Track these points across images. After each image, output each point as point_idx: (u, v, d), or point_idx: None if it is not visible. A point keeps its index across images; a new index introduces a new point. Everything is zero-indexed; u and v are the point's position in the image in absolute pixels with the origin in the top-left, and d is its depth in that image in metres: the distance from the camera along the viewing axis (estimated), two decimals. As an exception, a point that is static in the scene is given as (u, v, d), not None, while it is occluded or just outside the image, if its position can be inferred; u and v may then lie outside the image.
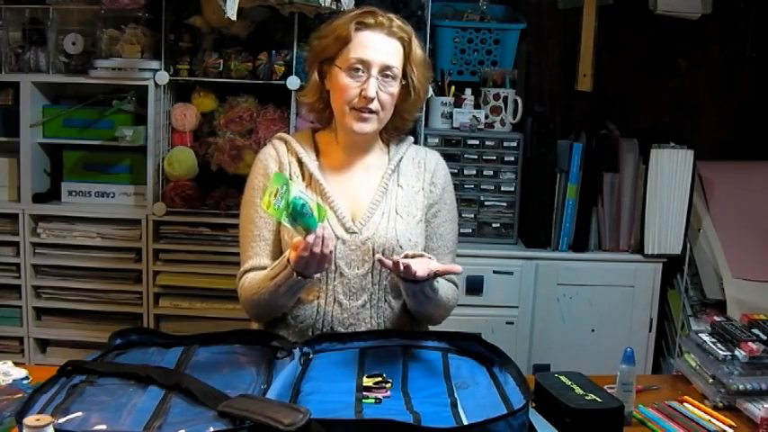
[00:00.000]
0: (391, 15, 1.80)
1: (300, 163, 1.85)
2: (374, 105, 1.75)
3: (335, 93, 1.79)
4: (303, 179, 1.83)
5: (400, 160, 1.88)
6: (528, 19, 2.97)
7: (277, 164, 1.84)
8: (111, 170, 2.83)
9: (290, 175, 1.83)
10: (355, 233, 1.79)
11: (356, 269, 1.79)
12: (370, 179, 1.85)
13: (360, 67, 1.74)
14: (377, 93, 1.74)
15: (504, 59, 2.91)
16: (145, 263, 2.73)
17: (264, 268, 1.80)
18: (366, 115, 1.76)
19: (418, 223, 1.85)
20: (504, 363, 1.56)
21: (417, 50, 1.80)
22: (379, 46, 1.75)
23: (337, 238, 1.77)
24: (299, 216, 1.54)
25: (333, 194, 1.80)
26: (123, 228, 2.76)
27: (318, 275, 1.71)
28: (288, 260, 1.64)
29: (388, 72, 1.75)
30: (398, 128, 1.90)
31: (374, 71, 1.74)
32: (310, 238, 1.55)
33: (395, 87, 1.77)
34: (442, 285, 1.79)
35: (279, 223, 1.81)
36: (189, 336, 1.68)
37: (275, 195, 1.53)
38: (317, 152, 1.88)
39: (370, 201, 1.82)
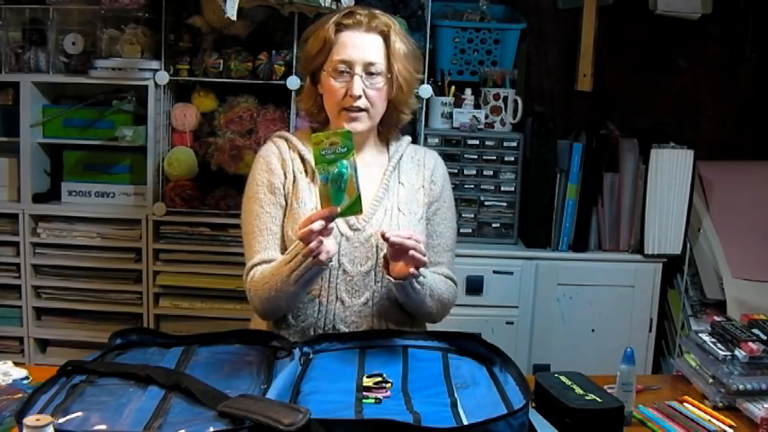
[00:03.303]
0: (373, 11, 1.81)
1: (303, 160, 1.85)
2: (362, 103, 1.76)
3: (326, 96, 1.82)
4: (306, 175, 1.84)
5: (400, 158, 1.89)
6: (528, 19, 2.98)
7: (279, 160, 1.85)
8: (111, 170, 2.83)
9: (293, 171, 1.84)
10: (359, 230, 1.79)
11: (359, 266, 1.79)
12: (371, 177, 1.85)
13: (344, 67, 1.76)
14: (364, 90, 1.76)
15: (504, 59, 2.91)
16: (145, 263, 2.73)
17: (274, 261, 1.78)
18: (355, 114, 1.77)
19: (420, 220, 1.86)
20: (504, 363, 1.56)
21: (398, 44, 1.80)
22: (359, 44, 1.77)
23: (341, 234, 1.77)
24: (333, 182, 1.52)
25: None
26: (123, 228, 2.76)
27: (330, 263, 1.70)
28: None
29: (372, 68, 1.77)
30: (395, 123, 1.90)
31: (358, 69, 1.76)
32: (316, 225, 1.54)
33: (381, 83, 1.78)
34: (433, 278, 1.79)
35: (284, 218, 1.81)
36: (189, 336, 1.68)
37: (330, 145, 1.51)
38: (318, 150, 1.88)
39: (373, 198, 1.83)
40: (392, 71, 1.78)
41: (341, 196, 1.54)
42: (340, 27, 1.78)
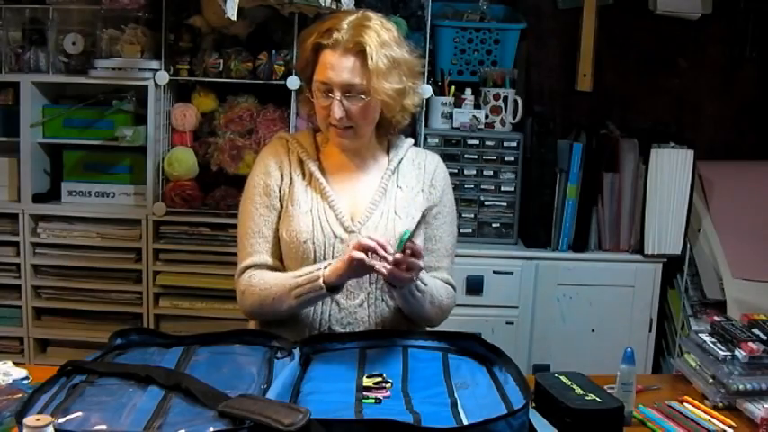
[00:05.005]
0: (359, 21, 1.75)
1: (301, 162, 1.85)
2: (345, 122, 1.75)
3: (316, 109, 1.81)
4: (304, 178, 1.84)
5: (400, 162, 1.89)
6: (528, 19, 2.98)
7: (278, 162, 1.85)
8: (111, 170, 2.83)
9: (290, 174, 1.84)
10: (354, 232, 1.79)
11: (355, 268, 1.79)
12: (369, 180, 1.85)
13: (325, 88, 1.75)
14: (347, 110, 1.74)
15: (504, 59, 2.91)
16: (145, 263, 2.73)
17: (266, 265, 1.80)
18: (341, 131, 1.77)
19: (417, 224, 1.85)
20: (504, 363, 1.56)
21: (380, 61, 1.72)
22: (337, 66, 1.72)
23: (336, 237, 1.77)
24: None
25: (332, 194, 1.81)
26: (123, 228, 2.76)
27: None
28: (321, 275, 1.68)
29: (352, 89, 1.73)
30: (390, 128, 1.88)
31: (337, 93, 1.73)
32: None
33: (362, 102, 1.74)
34: (434, 285, 1.79)
35: (278, 220, 1.82)
36: (189, 336, 1.68)
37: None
38: (318, 152, 1.88)
39: (370, 201, 1.82)
40: (370, 92, 1.73)
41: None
42: (319, 46, 1.76)
